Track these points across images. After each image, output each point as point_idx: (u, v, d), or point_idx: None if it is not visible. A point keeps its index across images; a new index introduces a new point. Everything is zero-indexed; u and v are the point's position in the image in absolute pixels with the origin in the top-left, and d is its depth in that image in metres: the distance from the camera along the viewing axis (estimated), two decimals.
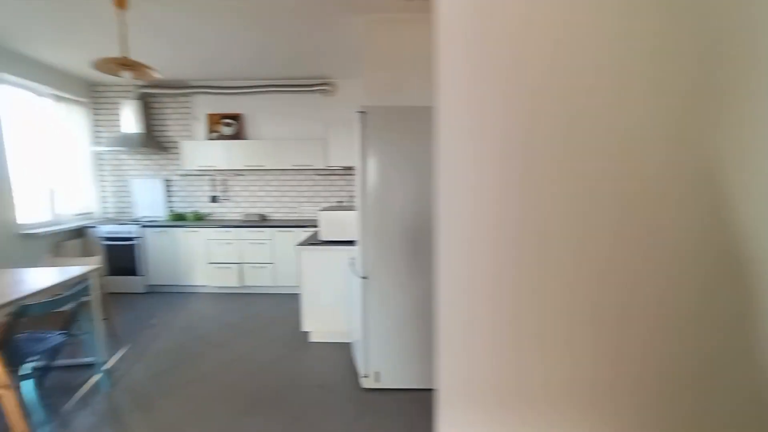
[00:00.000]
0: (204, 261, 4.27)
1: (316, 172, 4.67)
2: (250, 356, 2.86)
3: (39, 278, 2.30)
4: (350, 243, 2.97)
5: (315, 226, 4.15)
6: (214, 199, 4.74)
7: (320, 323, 3.05)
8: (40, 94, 4.04)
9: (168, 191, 4.76)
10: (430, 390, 2.38)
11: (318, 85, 4.38)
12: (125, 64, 2.43)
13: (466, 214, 0.82)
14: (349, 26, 2.98)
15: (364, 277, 2.31)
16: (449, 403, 0.87)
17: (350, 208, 3.16)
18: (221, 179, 4.72)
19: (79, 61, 3.78)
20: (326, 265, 2.96)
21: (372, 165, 2.23)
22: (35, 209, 3.91)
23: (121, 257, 4.26)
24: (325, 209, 3.10)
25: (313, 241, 3.03)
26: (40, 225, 3.91)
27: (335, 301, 3.00)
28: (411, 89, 2.79)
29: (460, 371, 0.86)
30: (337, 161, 4.11)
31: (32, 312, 1.93)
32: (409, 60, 2.77)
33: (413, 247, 2.28)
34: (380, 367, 2.39)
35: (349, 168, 4.52)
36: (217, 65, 3.96)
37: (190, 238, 4.26)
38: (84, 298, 2.32)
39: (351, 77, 4.45)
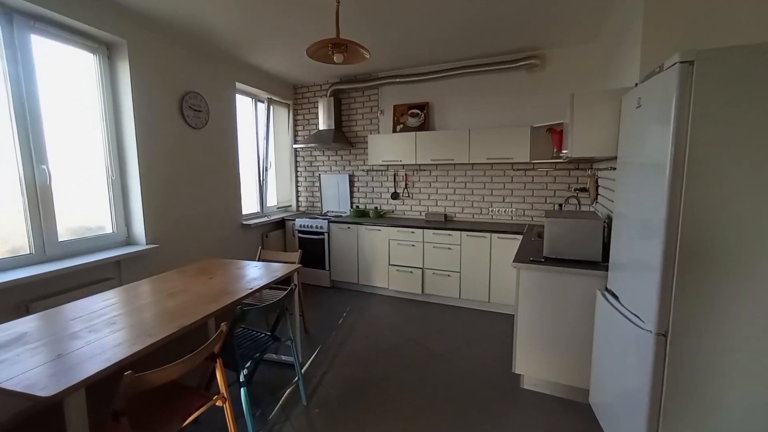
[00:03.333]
0: (384, 262, 4.03)
1: (513, 166, 3.86)
2: (445, 390, 2.32)
3: (255, 274, 2.30)
4: (592, 264, 2.09)
5: (513, 232, 3.38)
6: (395, 196, 4.49)
7: (540, 368, 2.26)
8: (259, 99, 4.51)
9: (352, 187, 4.76)
10: None
11: (522, 60, 3.54)
12: (338, 44, 2.17)
13: None
14: None
15: (660, 334, 1.42)
16: None
17: (582, 216, 2.27)
18: (403, 174, 4.42)
19: (287, 64, 3.98)
20: (554, 292, 2.16)
21: (700, 148, 1.31)
22: (249, 202, 4.37)
23: (312, 250, 4.40)
24: (551, 214, 2.29)
25: (535, 258, 2.26)
26: (252, 216, 4.35)
27: (565, 343, 2.16)
28: (738, 24, 1.73)
29: None
30: (546, 154, 3.19)
31: (249, 317, 1.80)
32: None
33: None
34: None
35: (569, 163, 3.43)
36: (407, 50, 3.58)
37: (373, 236, 4.08)
38: (288, 300, 2.18)
39: (565, 45, 3.44)
